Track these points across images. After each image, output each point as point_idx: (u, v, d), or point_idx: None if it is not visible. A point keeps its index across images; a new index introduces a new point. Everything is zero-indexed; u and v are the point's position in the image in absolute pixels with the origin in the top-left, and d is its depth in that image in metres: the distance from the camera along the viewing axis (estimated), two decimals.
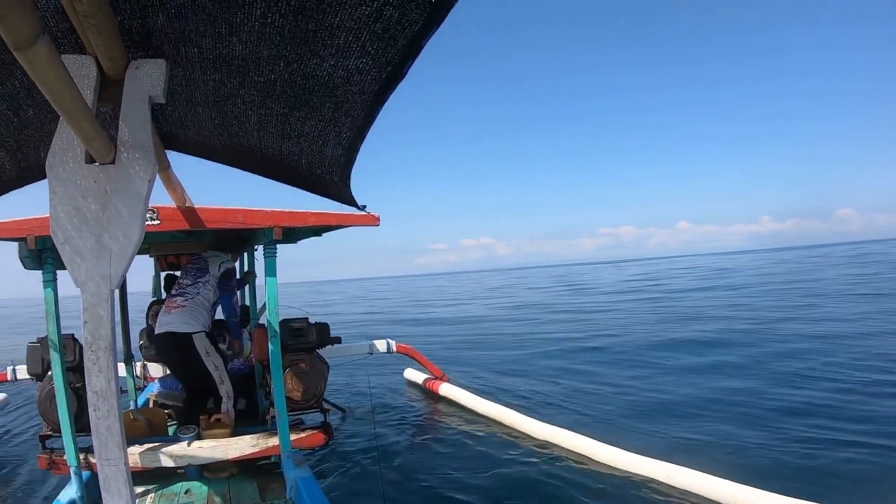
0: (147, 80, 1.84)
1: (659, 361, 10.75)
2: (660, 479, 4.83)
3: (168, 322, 4.48)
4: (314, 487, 3.77)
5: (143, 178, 1.76)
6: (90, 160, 1.74)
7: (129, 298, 6.12)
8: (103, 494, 1.82)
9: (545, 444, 6.17)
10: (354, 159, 2.53)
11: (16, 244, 3.61)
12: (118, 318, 5.58)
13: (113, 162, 1.75)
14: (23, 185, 2.85)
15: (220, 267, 4.65)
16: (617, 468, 5.23)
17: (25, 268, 3.63)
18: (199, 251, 5.09)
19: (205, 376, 4.50)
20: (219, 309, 4.96)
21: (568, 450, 5.85)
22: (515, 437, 6.60)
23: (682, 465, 4.80)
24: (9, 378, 7.49)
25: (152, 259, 6.88)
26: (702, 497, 4.47)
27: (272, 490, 4.11)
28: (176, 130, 2.65)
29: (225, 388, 4.50)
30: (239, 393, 4.98)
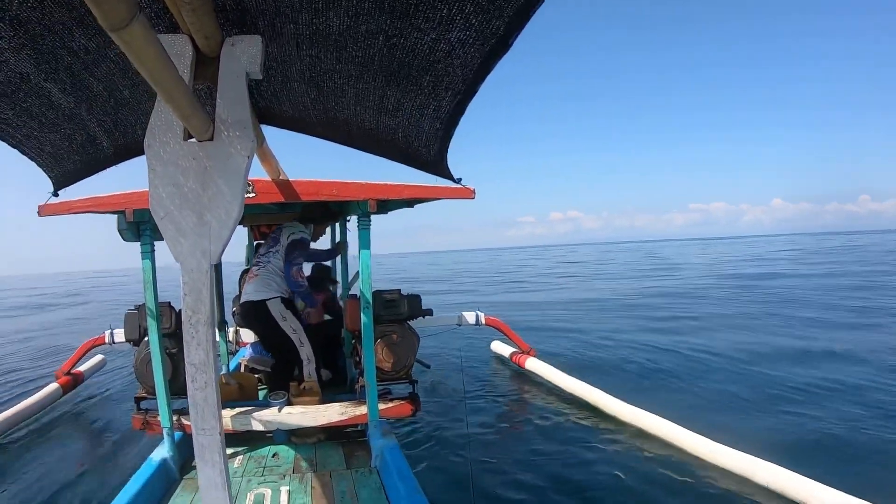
0: (243, 56, 1.84)
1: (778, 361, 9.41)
2: (746, 475, 4.58)
3: (247, 292, 4.69)
4: (399, 458, 3.81)
5: (242, 154, 1.77)
6: (188, 137, 1.77)
7: (224, 267, 6.31)
8: (198, 462, 1.88)
9: (629, 427, 6.03)
10: (453, 133, 2.47)
11: (114, 217, 3.78)
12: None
13: (212, 139, 1.76)
14: (118, 162, 2.95)
15: (288, 237, 4.73)
16: (703, 459, 4.99)
17: (124, 240, 3.77)
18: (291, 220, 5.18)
19: (287, 341, 4.63)
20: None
21: (652, 435, 5.68)
22: (599, 418, 6.49)
23: (776, 464, 4.48)
24: (106, 341, 7.92)
25: (246, 228, 7.10)
26: (792, 500, 4.19)
27: (358, 458, 4.19)
28: (271, 105, 2.67)
29: (305, 352, 4.61)
30: (324, 363, 5.11)
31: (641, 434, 5.83)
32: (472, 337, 10.84)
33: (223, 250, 1.80)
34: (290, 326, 4.59)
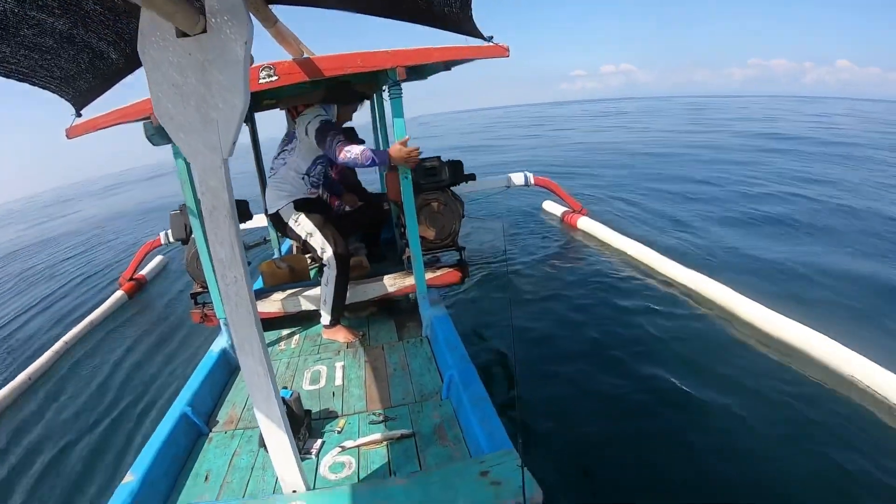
0: None
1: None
2: (803, 348, 4.43)
3: (267, 202, 4.40)
4: (448, 327, 3.89)
5: (238, 42, 1.70)
6: (182, 34, 1.70)
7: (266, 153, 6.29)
8: (238, 354, 1.97)
9: (681, 289, 5.99)
10: None
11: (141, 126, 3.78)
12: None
13: (205, 31, 1.69)
14: (133, 70, 2.88)
15: (307, 126, 4.12)
16: (757, 326, 4.89)
17: (154, 144, 3.76)
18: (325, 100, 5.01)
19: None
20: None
21: (706, 298, 5.61)
22: (650, 277, 6.49)
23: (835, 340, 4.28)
24: (163, 242, 8.08)
25: (284, 111, 7.00)
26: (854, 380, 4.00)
27: (409, 328, 4.31)
28: None
29: (326, 256, 4.15)
30: (371, 243, 5.19)
31: (694, 296, 5.79)
32: (523, 196, 10.80)
33: (233, 143, 1.78)
34: (305, 230, 4.18)
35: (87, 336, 6.88)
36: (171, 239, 4.86)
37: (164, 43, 1.70)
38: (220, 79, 1.71)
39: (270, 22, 2.88)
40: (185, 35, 1.69)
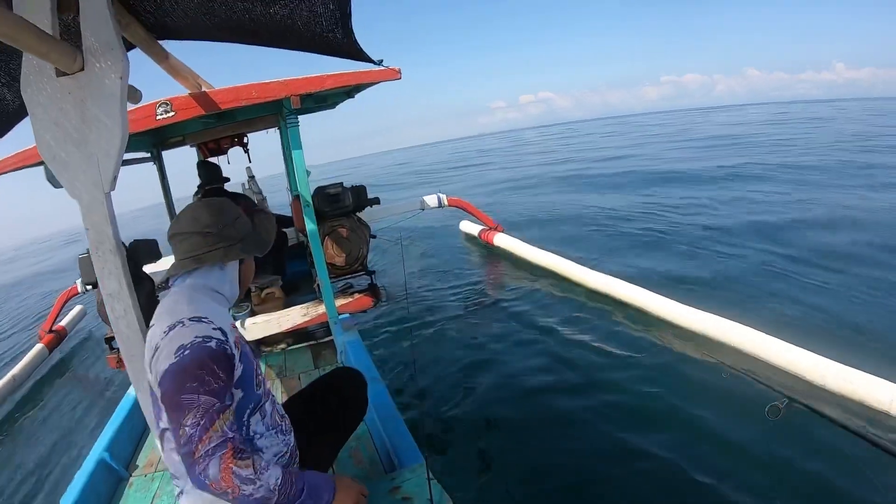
0: None
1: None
2: (710, 334, 4.74)
3: None
4: (361, 352, 3.88)
5: (114, 77, 1.75)
6: (62, 73, 1.74)
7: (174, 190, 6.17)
8: (135, 389, 1.94)
9: (598, 294, 6.27)
10: (349, 11, 2.36)
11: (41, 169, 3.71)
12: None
13: (83, 69, 1.73)
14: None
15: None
16: (670, 320, 5.20)
17: (55, 186, 3.69)
18: (234, 132, 4.90)
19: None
20: None
21: (621, 300, 5.90)
22: (569, 287, 6.79)
23: (741, 323, 4.58)
24: (80, 290, 7.55)
25: (194, 148, 6.84)
26: (763, 360, 4.28)
27: (325, 356, 4.30)
28: (162, 19, 2.55)
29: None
30: (274, 270, 5.06)
31: (606, 298, 6.09)
32: (440, 218, 11.16)
33: (114, 177, 1.81)
34: None
35: (8, 395, 6.61)
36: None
37: (44, 83, 1.74)
38: (98, 115, 1.75)
39: (161, 57, 2.89)
40: (64, 74, 1.72)
